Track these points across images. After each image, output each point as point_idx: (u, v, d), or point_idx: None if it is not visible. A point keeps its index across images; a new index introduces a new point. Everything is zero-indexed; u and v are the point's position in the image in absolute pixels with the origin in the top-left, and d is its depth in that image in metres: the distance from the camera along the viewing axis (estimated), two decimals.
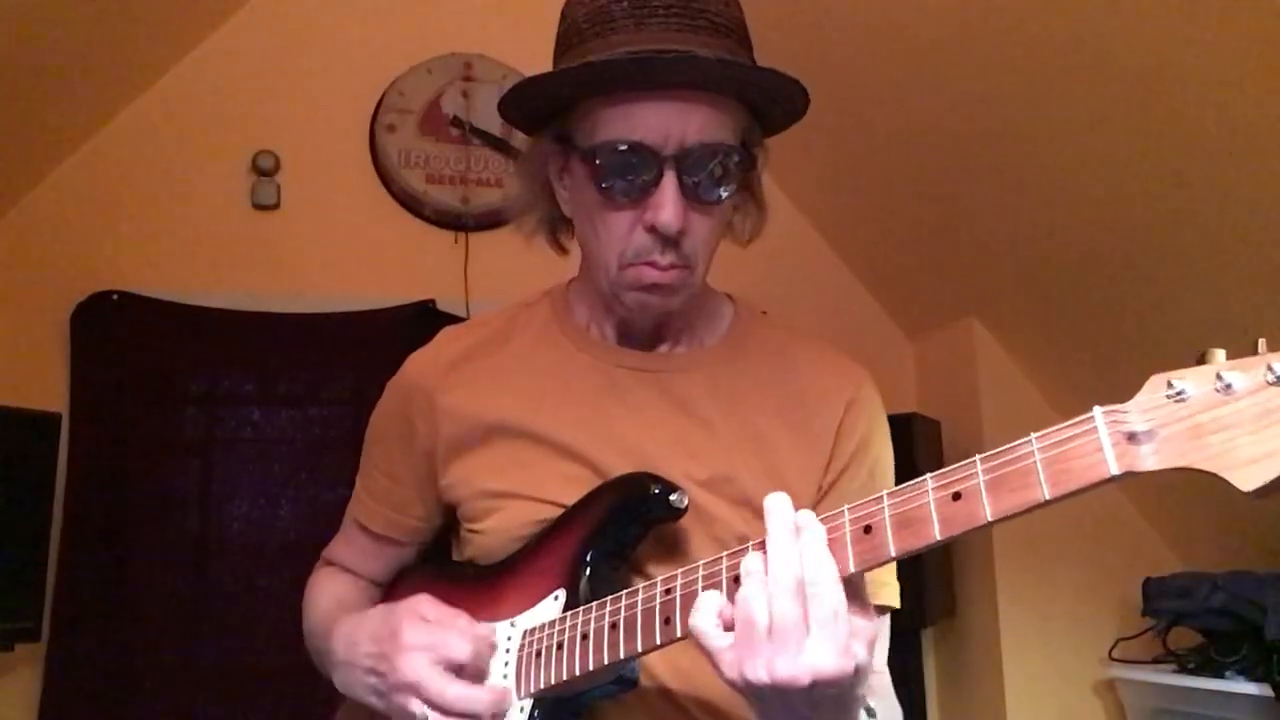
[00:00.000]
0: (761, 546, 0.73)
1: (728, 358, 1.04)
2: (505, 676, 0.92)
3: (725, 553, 0.78)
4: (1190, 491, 2.49)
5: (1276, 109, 1.68)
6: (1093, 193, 2.15)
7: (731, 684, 0.71)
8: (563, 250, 1.08)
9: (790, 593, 0.69)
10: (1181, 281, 2.11)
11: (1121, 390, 0.63)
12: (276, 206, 2.74)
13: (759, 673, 0.68)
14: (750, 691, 0.71)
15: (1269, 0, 1.56)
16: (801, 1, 2.45)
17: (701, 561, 0.79)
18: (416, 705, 0.87)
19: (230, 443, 2.65)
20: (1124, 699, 2.54)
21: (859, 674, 0.70)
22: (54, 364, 2.51)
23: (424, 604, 0.92)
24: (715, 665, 0.72)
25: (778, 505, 0.73)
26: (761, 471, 0.98)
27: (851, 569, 0.71)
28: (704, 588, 0.77)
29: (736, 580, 0.75)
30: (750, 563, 0.72)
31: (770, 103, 0.94)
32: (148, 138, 2.70)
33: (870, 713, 0.82)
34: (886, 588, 1.02)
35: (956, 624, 2.84)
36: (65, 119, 2.56)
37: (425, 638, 0.88)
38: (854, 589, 0.72)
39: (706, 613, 0.73)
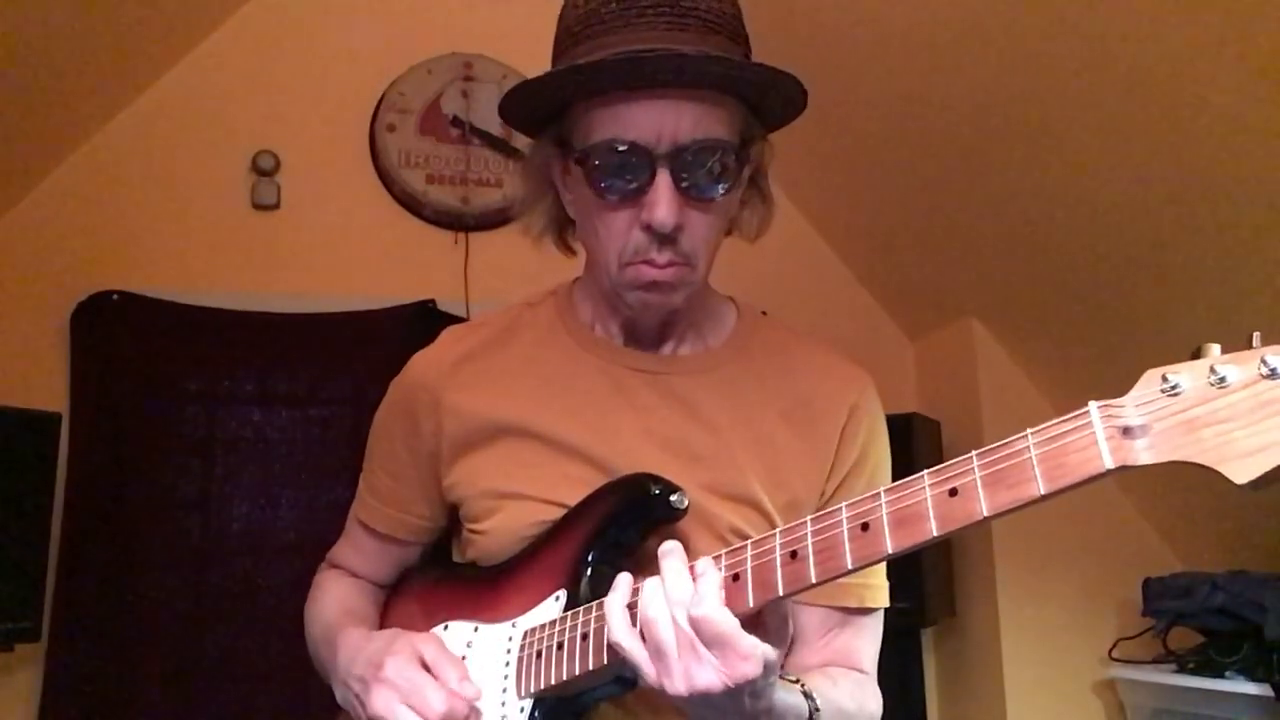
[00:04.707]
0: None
1: (732, 359, 1.04)
2: (506, 677, 0.92)
3: (723, 551, 0.79)
4: (1190, 491, 2.49)
5: (1276, 109, 1.68)
6: (1093, 193, 2.15)
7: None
8: (570, 251, 1.08)
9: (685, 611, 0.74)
10: (1182, 280, 2.11)
11: (1122, 390, 0.63)
12: (276, 206, 2.74)
13: (677, 686, 0.74)
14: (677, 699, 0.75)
15: (1269, 1, 1.56)
16: (802, 2, 2.45)
17: (700, 560, 0.79)
18: None
19: (230, 443, 2.64)
20: (1124, 699, 2.54)
21: (768, 669, 0.74)
22: (54, 364, 2.50)
23: (429, 644, 0.90)
24: (641, 677, 0.77)
25: (670, 546, 0.79)
26: (765, 474, 0.98)
27: (849, 566, 0.71)
28: None
29: (736, 579, 0.76)
30: (649, 589, 0.77)
31: (765, 98, 0.94)
32: (148, 138, 2.70)
33: (808, 696, 0.85)
34: (874, 589, 1.02)
35: (956, 624, 2.84)
36: (65, 119, 2.56)
37: (404, 679, 0.86)
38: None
39: (624, 630, 0.77)
